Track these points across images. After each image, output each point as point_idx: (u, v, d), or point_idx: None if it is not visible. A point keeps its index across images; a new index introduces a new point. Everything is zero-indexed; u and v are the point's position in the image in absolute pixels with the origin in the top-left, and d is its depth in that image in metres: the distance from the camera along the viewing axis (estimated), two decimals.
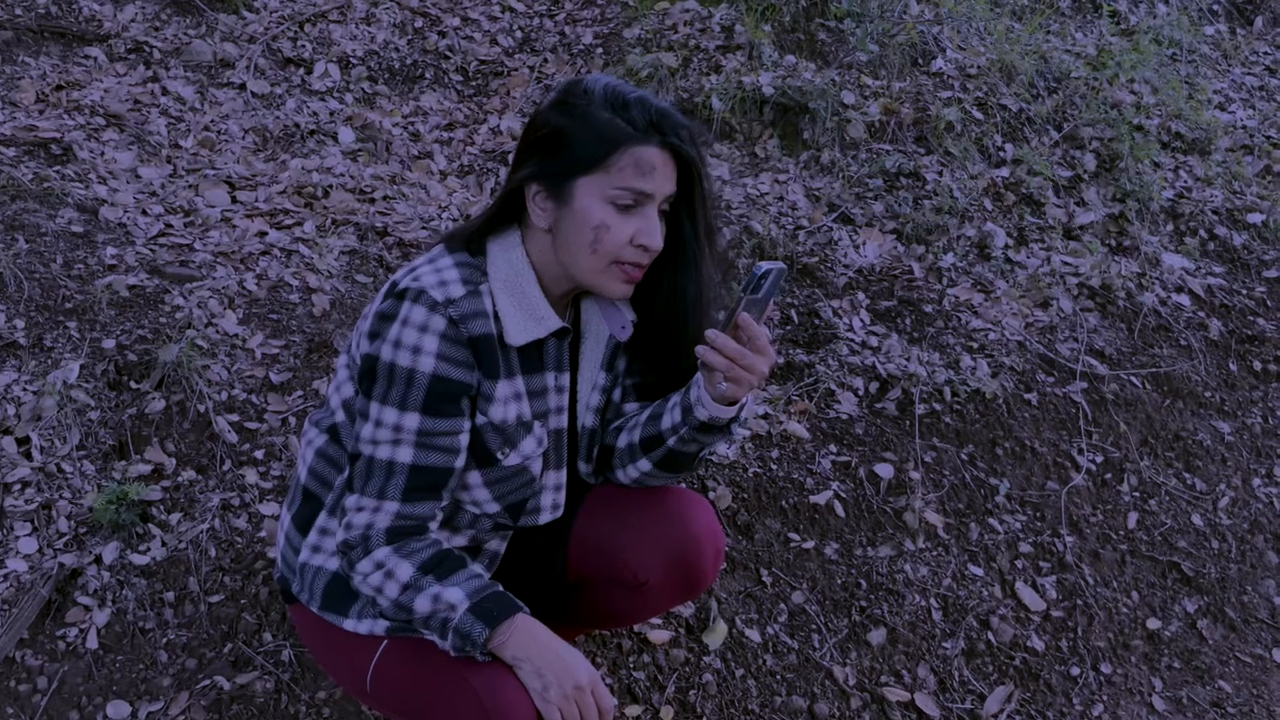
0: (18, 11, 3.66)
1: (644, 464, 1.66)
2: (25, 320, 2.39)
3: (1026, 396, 2.80)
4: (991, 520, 2.56)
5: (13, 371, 2.28)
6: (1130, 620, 2.47)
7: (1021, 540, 2.54)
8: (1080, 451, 2.73)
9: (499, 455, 1.54)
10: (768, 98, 3.62)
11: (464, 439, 1.50)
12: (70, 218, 2.71)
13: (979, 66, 3.86)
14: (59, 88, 3.36)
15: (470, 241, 1.54)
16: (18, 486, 2.13)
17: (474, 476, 1.55)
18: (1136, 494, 2.71)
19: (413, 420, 1.46)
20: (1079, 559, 2.53)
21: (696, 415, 1.55)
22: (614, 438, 1.70)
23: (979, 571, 2.46)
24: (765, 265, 1.45)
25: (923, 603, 2.37)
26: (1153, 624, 2.47)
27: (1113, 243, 3.41)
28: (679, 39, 3.89)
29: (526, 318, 1.52)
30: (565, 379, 1.61)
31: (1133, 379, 2.92)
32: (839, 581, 2.37)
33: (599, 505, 1.75)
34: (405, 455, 1.47)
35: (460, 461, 1.51)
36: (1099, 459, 2.73)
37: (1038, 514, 2.60)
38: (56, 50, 3.58)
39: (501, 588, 1.49)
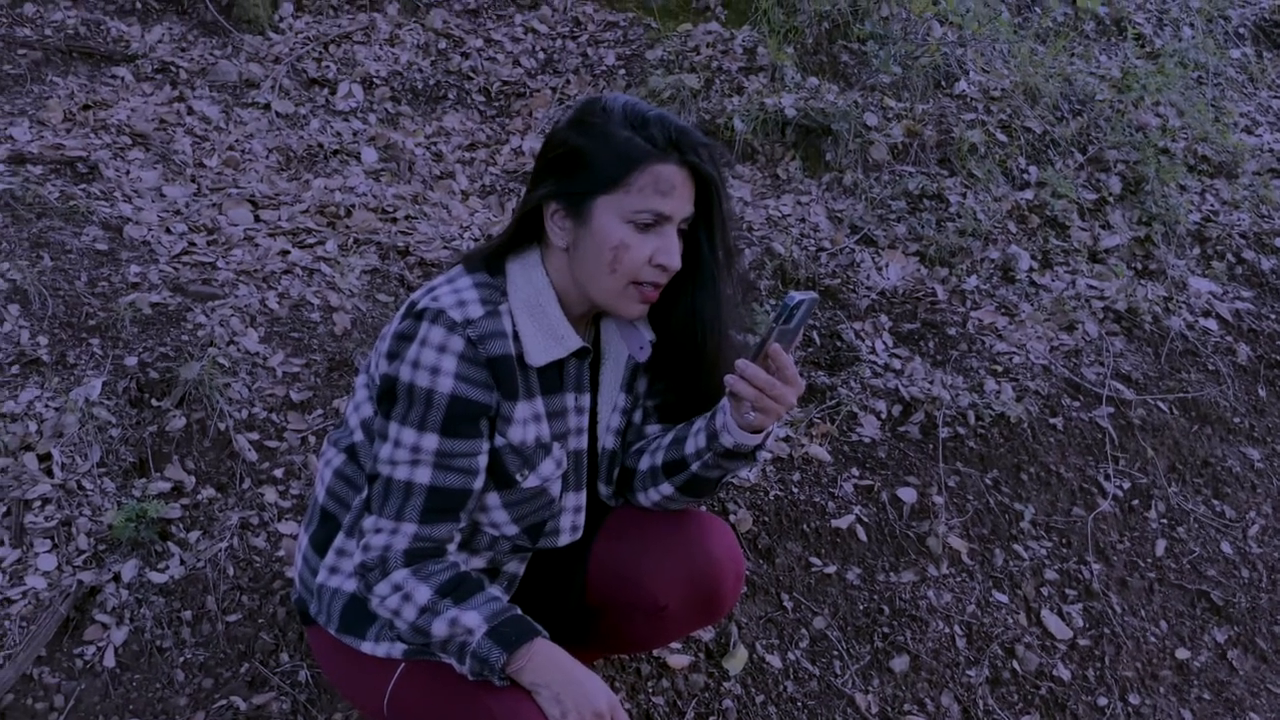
0: (47, 32, 3.71)
1: (666, 488, 1.64)
2: (49, 337, 2.40)
3: (1052, 421, 2.76)
4: (1016, 546, 2.52)
5: (35, 388, 2.28)
6: (1159, 650, 2.43)
7: (1047, 567, 2.50)
8: (1107, 477, 2.69)
9: (518, 477, 1.53)
10: (790, 119, 3.61)
11: (482, 460, 1.49)
12: (95, 235, 2.73)
13: (1002, 89, 3.85)
14: (86, 107, 3.39)
15: (489, 261, 1.53)
16: (38, 503, 2.13)
17: (493, 498, 1.54)
18: (1164, 521, 2.66)
19: (431, 441, 1.45)
20: (1106, 587, 2.48)
21: (722, 442, 1.53)
22: (635, 460, 1.69)
23: (1004, 598, 2.42)
24: (798, 296, 1.43)
25: (946, 630, 2.33)
26: (1182, 654, 2.42)
27: (1139, 266, 3.38)
28: (701, 60, 3.89)
29: (547, 338, 1.50)
30: (585, 400, 1.60)
31: (1160, 404, 2.88)
32: (861, 607, 2.34)
33: (619, 528, 1.73)
34: (423, 476, 1.46)
35: (479, 483, 1.49)
36: (1126, 485, 2.69)
37: (1063, 540, 2.56)
38: (84, 70, 3.62)
39: (520, 611, 1.47)
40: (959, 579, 2.44)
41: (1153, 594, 2.51)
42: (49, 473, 2.17)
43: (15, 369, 2.32)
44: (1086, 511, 2.62)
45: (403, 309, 1.50)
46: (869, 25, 3.91)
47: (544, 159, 1.53)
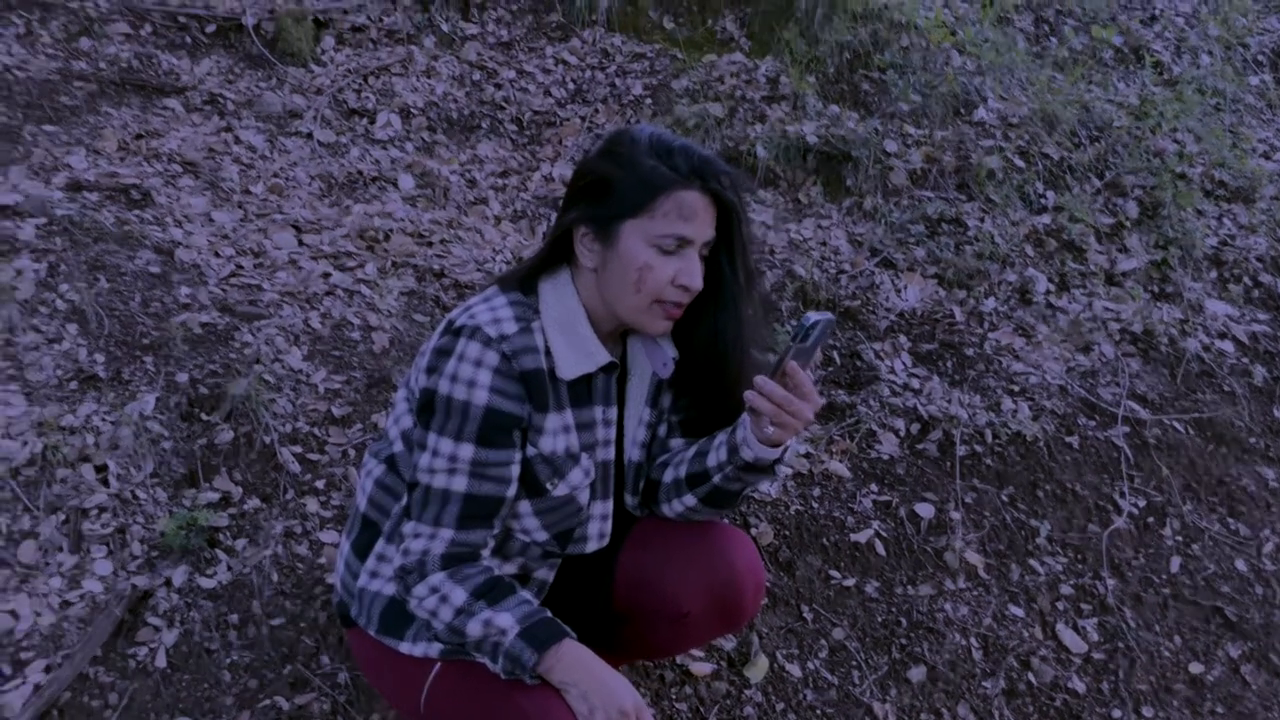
0: (102, 66, 3.88)
1: (689, 499, 1.73)
2: (105, 355, 2.53)
3: (1068, 440, 2.82)
4: (1032, 561, 2.58)
5: (93, 403, 2.41)
6: (1173, 664, 2.47)
7: (1062, 582, 2.56)
8: (1122, 495, 2.75)
9: (548, 486, 1.61)
10: (811, 146, 3.71)
11: (515, 469, 1.58)
12: (148, 259, 2.87)
13: (1020, 116, 3.93)
14: (139, 136, 3.55)
15: (523, 281, 1.63)
16: (95, 511, 2.25)
17: (524, 506, 1.63)
18: (1179, 538, 2.72)
19: (467, 450, 1.54)
20: (1121, 602, 2.54)
21: (742, 455, 1.62)
22: (660, 472, 1.77)
23: (1019, 612, 2.48)
24: (814, 316, 1.52)
25: (963, 642, 2.39)
26: (1195, 668, 2.47)
27: (1155, 289, 3.44)
28: (725, 90, 4.00)
29: (577, 353, 1.59)
30: (613, 413, 1.68)
31: (1175, 424, 2.94)
32: (879, 619, 2.41)
33: (644, 538, 1.82)
34: (460, 484, 1.55)
35: (511, 491, 1.58)
36: (1141, 503, 2.75)
37: (1079, 556, 2.62)
38: (137, 102, 3.79)
39: (550, 614, 1.56)
40: (975, 593, 2.50)
41: (1167, 609, 2.56)
42: (105, 483, 2.29)
43: (74, 385, 2.45)
44: (1102, 528, 2.68)
45: (441, 326, 1.60)
46: (889, 55, 4.01)
47: (575, 186, 1.63)
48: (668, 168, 1.54)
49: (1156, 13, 4.94)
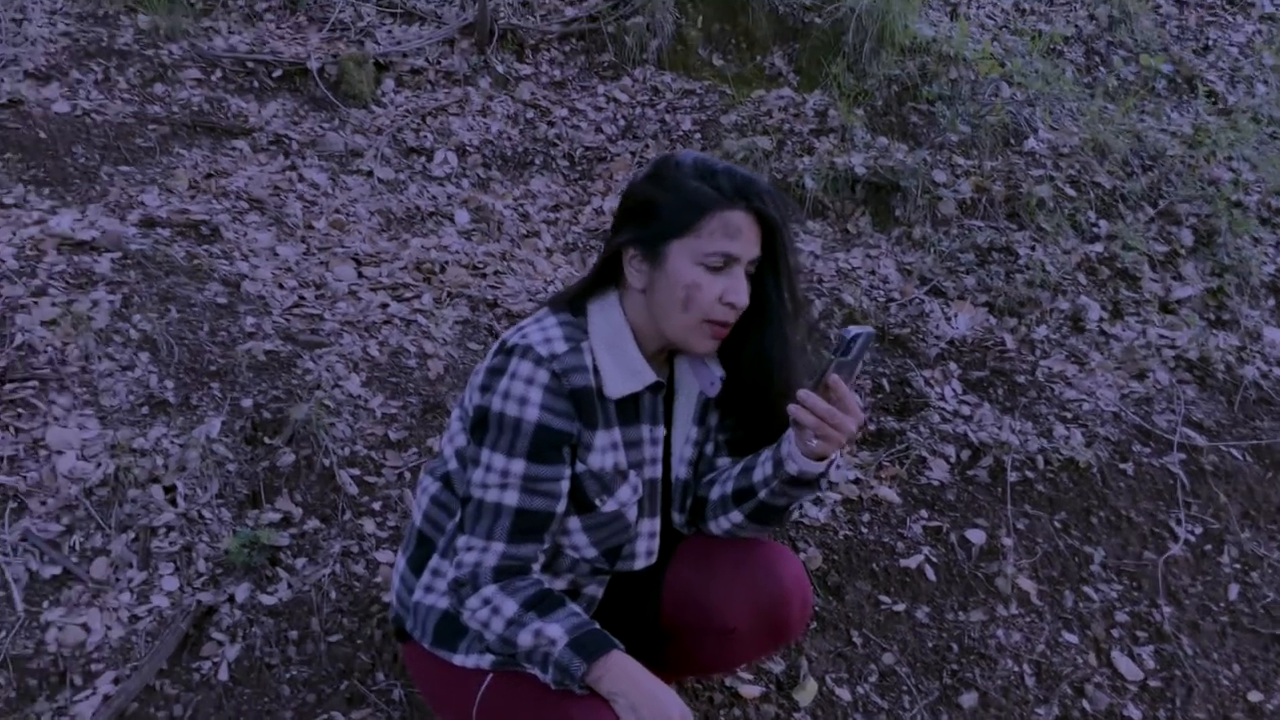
0: (174, 109, 4.06)
1: (735, 515, 1.75)
2: (175, 381, 2.63)
3: (1122, 466, 2.80)
4: (1086, 588, 2.56)
5: (163, 426, 2.51)
6: (1231, 693, 2.42)
7: (1117, 609, 2.52)
8: (1178, 522, 2.71)
9: (597, 502, 1.65)
10: (860, 177, 3.75)
11: (565, 485, 1.62)
12: (216, 291, 2.99)
13: (1071, 146, 3.93)
14: (209, 175, 3.70)
15: (572, 303, 1.68)
16: (163, 530, 2.33)
17: (573, 522, 1.67)
18: (1237, 566, 2.67)
19: (519, 466, 1.59)
20: (1177, 629, 2.50)
21: (787, 469, 1.64)
22: (707, 490, 1.80)
23: (1073, 639, 2.45)
24: (854, 330, 1.55)
25: (1015, 668, 2.37)
26: (1254, 697, 2.42)
27: (1211, 316, 3.40)
28: (774, 123, 4.06)
29: (624, 372, 1.64)
30: (660, 431, 1.72)
31: (1233, 451, 2.89)
32: (930, 644, 2.40)
33: (691, 555, 1.85)
34: (511, 499, 1.59)
35: (561, 506, 1.62)
36: (1198, 530, 2.70)
37: (1134, 583, 2.58)
38: (207, 143, 3.96)
39: (599, 626, 1.59)
40: (1028, 619, 2.48)
41: (1225, 637, 2.51)
42: (173, 502, 2.38)
43: (145, 409, 2.55)
44: (1157, 555, 2.64)
45: (495, 346, 1.65)
46: (937, 87, 4.04)
47: (623, 209, 1.68)
48: (712, 188, 1.59)
49: (1210, 43, 4.91)
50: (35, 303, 2.72)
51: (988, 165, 3.83)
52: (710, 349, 1.65)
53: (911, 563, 2.52)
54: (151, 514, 2.34)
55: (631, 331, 1.66)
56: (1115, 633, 2.48)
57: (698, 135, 4.25)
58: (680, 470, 1.79)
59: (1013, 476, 2.74)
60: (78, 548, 2.26)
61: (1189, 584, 2.60)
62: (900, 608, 2.45)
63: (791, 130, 4.05)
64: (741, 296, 1.60)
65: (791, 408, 1.57)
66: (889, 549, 2.55)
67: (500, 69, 4.60)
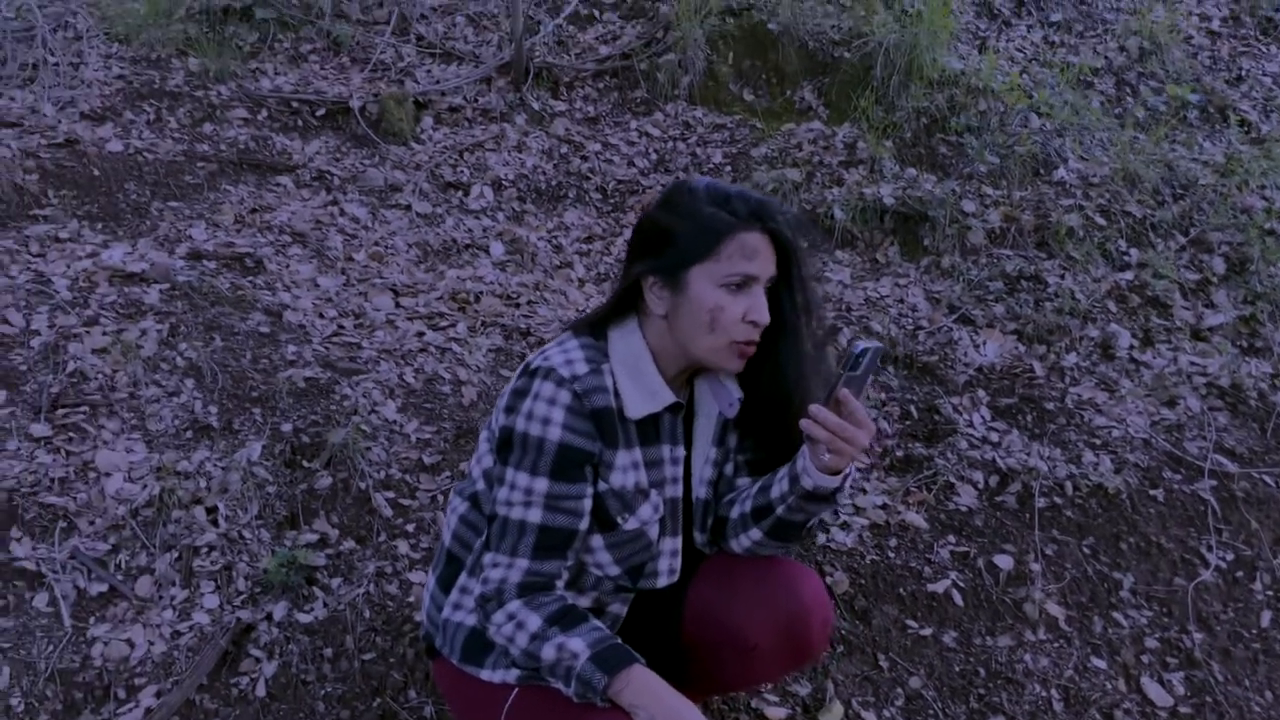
0: (222, 147, 4.21)
1: (755, 533, 1.78)
2: (218, 406, 2.72)
3: (1152, 493, 2.79)
4: (1115, 614, 2.55)
5: (206, 450, 2.60)
6: (1263, 719, 2.40)
7: (1147, 635, 2.51)
8: (1209, 548, 2.69)
9: (619, 520, 1.69)
10: (888, 207, 3.79)
11: (587, 503, 1.66)
12: (259, 320, 3.09)
13: (1101, 175, 3.94)
14: (254, 210, 3.83)
15: (594, 328, 1.73)
16: (205, 549, 2.41)
17: (596, 540, 1.70)
18: (1270, 593, 2.64)
19: (542, 484, 1.63)
20: (1209, 656, 2.48)
21: (802, 484, 1.67)
22: (727, 509, 1.84)
23: (1102, 664, 2.44)
24: (863, 344, 1.58)
25: (1043, 693, 2.37)
26: None
27: (1244, 344, 3.38)
28: (803, 156, 4.12)
29: (643, 394, 1.68)
30: (680, 451, 1.76)
31: (1265, 478, 2.87)
32: (957, 669, 2.40)
33: (712, 573, 1.87)
34: (535, 516, 1.64)
35: (584, 524, 1.66)
36: (1229, 556, 2.69)
37: (1164, 609, 2.57)
38: (252, 179, 4.09)
39: (621, 641, 1.63)
40: (1056, 644, 2.47)
41: (1257, 664, 2.49)
42: (214, 523, 2.46)
43: (189, 434, 2.64)
44: (1188, 581, 2.62)
45: (519, 369, 1.70)
46: (965, 119, 4.08)
47: (638, 239, 1.73)
48: (727, 213, 1.64)
49: (1243, 73, 4.91)
50: (87, 332, 2.83)
51: (1017, 195, 3.85)
52: (739, 367, 1.69)
53: (939, 587, 2.53)
54: (194, 534, 2.42)
55: (651, 355, 1.70)
56: (1145, 658, 2.47)
57: (728, 168, 4.32)
58: (700, 490, 1.82)
59: (1041, 502, 2.74)
60: (123, 566, 2.35)
61: (1220, 610, 2.58)
62: (927, 632, 2.45)
63: (821, 162, 4.11)
64: (763, 314, 1.64)
65: (804, 423, 1.60)
66: (916, 574, 2.56)
67: (535, 106, 4.71)
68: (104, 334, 2.83)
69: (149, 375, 2.76)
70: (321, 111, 4.56)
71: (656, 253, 1.68)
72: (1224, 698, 2.41)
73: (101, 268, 3.14)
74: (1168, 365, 3.26)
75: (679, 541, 1.80)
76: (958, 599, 2.53)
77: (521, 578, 1.64)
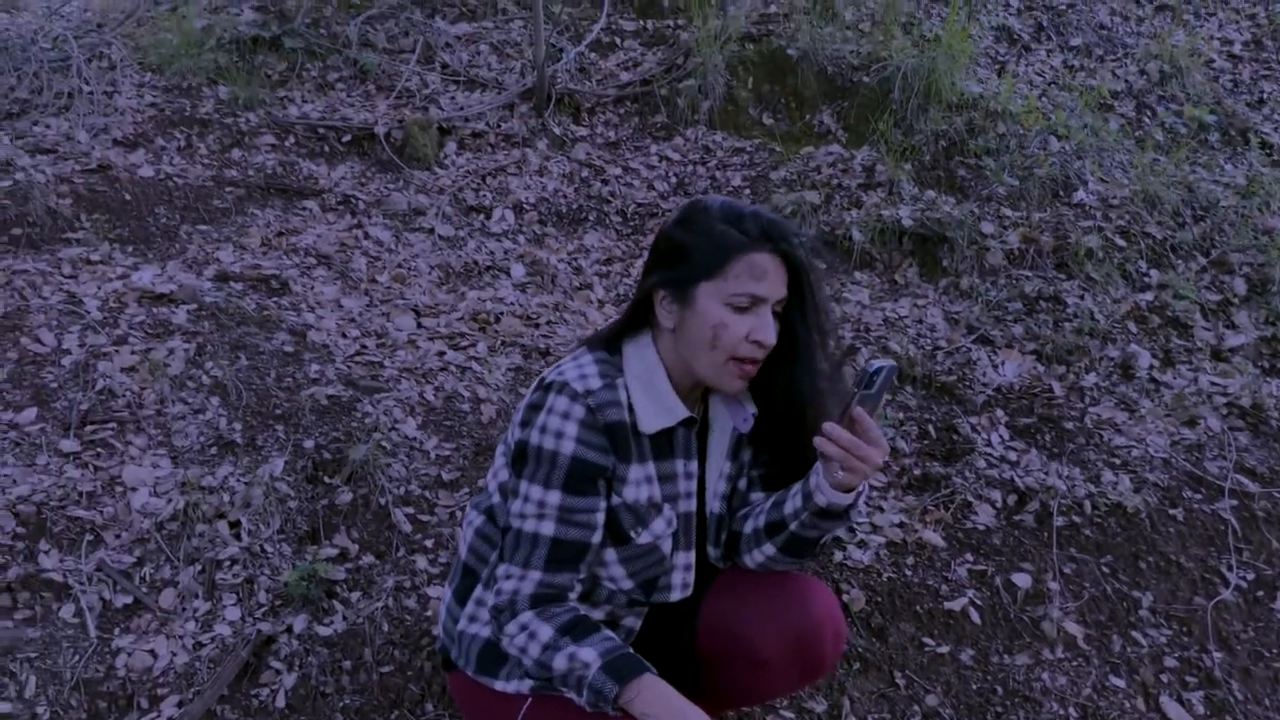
0: (250, 173, 4.30)
1: (768, 548, 1.79)
2: (242, 423, 2.77)
3: (1171, 512, 2.77)
4: (1134, 633, 2.53)
5: (230, 465, 2.64)
6: None
7: (1167, 654, 2.49)
8: (1229, 568, 2.67)
9: (632, 534, 1.70)
10: (907, 229, 3.81)
11: (600, 517, 1.68)
12: (283, 340, 3.14)
13: (1121, 197, 3.94)
14: (280, 234, 3.91)
15: (608, 342, 1.75)
16: (227, 563, 2.45)
17: (610, 554, 1.72)
18: None
19: (555, 497, 1.65)
20: (1228, 675, 2.45)
21: (816, 501, 1.68)
22: (741, 524, 1.85)
23: (1121, 683, 2.42)
24: (877, 363, 1.60)
25: (1061, 711, 2.35)
26: None
27: (1265, 365, 3.36)
28: (822, 179, 4.15)
29: (657, 408, 1.70)
30: (694, 466, 1.77)
31: None
32: (974, 687, 2.39)
33: (725, 587, 1.88)
34: (548, 529, 1.65)
35: (597, 537, 1.68)
36: (1250, 576, 2.66)
37: (1184, 629, 2.55)
38: (279, 203, 4.18)
39: (632, 650, 1.64)
40: (1075, 663, 2.46)
41: (1278, 684, 2.46)
42: (238, 537, 2.50)
43: (214, 450, 2.69)
44: (1207, 600, 2.60)
45: (535, 383, 1.73)
46: (984, 141, 4.10)
47: (654, 252, 1.75)
48: (739, 232, 1.66)
49: (1264, 96, 4.90)
50: (116, 351, 2.90)
51: (1036, 217, 3.86)
52: (739, 388, 1.70)
53: (956, 605, 2.52)
54: (217, 548, 2.46)
55: (665, 369, 1.72)
56: (1164, 677, 2.45)
57: (747, 190, 4.36)
58: (714, 505, 1.83)
59: (1059, 521, 2.73)
60: (148, 578, 2.39)
61: (1240, 630, 2.56)
62: (944, 650, 2.45)
63: (840, 185, 4.13)
64: (769, 335, 1.66)
65: (817, 440, 1.61)
66: (933, 591, 2.56)
67: (557, 131, 4.78)
68: (133, 353, 2.89)
69: (176, 393, 2.82)
70: (347, 138, 4.65)
71: (669, 266, 1.70)
72: (1244, 717, 2.38)
73: (131, 289, 3.21)
74: (1188, 385, 3.24)
75: (692, 556, 1.81)
76: (975, 617, 2.52)
77: (534, 589, 1.66)
